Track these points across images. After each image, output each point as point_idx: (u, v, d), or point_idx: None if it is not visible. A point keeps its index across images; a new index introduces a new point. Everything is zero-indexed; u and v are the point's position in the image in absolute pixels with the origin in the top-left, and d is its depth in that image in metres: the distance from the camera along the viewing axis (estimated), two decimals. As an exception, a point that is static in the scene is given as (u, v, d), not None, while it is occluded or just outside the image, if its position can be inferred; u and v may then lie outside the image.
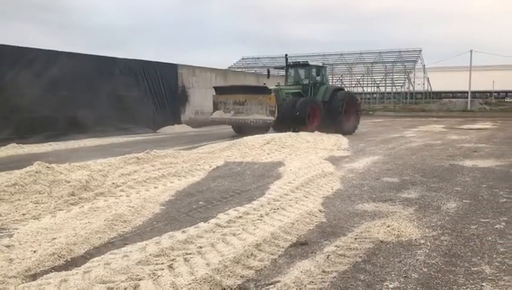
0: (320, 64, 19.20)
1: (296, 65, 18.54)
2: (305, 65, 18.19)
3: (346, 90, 23.23)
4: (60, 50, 16.20)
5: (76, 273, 3.51)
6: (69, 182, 6.43)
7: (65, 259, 3.93)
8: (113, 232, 4.70)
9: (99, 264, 3.66)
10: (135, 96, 19.11)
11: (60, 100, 15.64)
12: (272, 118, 15.27)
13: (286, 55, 20.44)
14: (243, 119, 15.75)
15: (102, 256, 3.91)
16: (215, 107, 16.97)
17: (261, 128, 15.73)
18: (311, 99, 16.75)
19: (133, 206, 5.52)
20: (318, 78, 17.81)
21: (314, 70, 17.82)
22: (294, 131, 14.91)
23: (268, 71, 20.31)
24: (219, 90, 17.56)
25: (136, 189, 6.68)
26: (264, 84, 17.42)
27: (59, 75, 15.62)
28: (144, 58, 20.25)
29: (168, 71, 21.37)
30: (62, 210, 5.48)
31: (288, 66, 18.60)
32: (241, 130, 16.50)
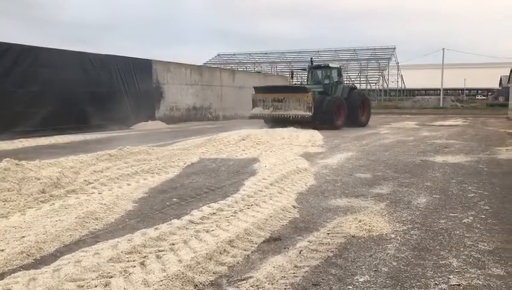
0: (338, 65, 21.63)
1: (318, 67, 20.91)
2: (326, 67, 20.52)
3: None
4: (30, 45, 15.83)
5: (46, 271, 3.45)
6: (39, 179, 6.30)
7: (34, 257, 3.86)
8: (84, 229, 4.63)
9: (69, 262, 3.61)
10: (108, 92, 18.84)
11: (31, 96, 15.31)
12: (310, 113, 17.29)
13: (311, 58, 23.39)
14: (283, 114, 17.81)
15: (73, 254, 3.86)
16: (254, 104, 19.07)
17: (298, 122, 17.38)
18: (337, 98, 18.91)
19: (105, 204, 5.45)
20: (336, 78, 20.05)
21: (333, 71, 20.14)
22: (318, 127, 16.91)
23: (292, 72, 25.09)
24: (258, 89, 19.75)
25: (108, 186, 6.60)
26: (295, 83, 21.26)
27: (29, 71, 15.28)
28: (117, 54, 19.99)
29: (142, 67, 21.13)
30: (32, 208, 5.37)
31: (311, 68, 21.01)
32: (276, 124, 17.81)
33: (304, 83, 22.90)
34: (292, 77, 25.51)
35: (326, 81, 19.71)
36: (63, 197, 5.88)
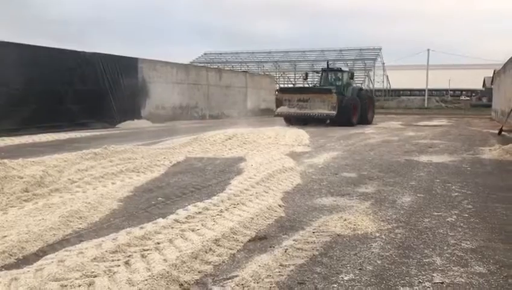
0: (347, 69, 24.95)
1: (332, 70, 23.27)
2: (338, 70, 23.31)
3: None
4: (14, 42, 15.61)
5: (28, 271, 3.40)
6: (22, 178, 6.21)
7: (16, 257, 3.80)
8: (68, 228, 4.58)
9: (52, 262, 3.56)
10: (93, 91, 18.68)
11: (14, 94, 15.10)
12: (334, 112, 19.45)
13: (328, 61, 26.25)
14: (308, 113, 19.91)
15: (56, 253, 3.81)
16: (280, 103, 21.15)
17: (321, 120, 20.38)
18: (353, 98, 21.18)
19: (89, 203, 5.39)
20: (347, 80, 22.39)
21: (345, 74, 22.59)
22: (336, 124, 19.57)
23: (306, 74, 27.87)
24: (283, 90, 24.22)
25: (93, 185, 6.53)
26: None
27: (13, 68, 15.07)
28: (103, 52, 19.81)
29: (128, 65, 21.00)
30: (14, 207, 5.29)
31: (324, 70, 23.27)
32: (300, 121, 20.45)
33: (316, 84, 25.64)
34: (306, 78, 28.13)
35: (338, 83, 21.86)
36: (47, 196, 5.80)
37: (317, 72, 29.44)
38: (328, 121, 20.44)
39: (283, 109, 20.79)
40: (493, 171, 8.30)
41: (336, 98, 19.61)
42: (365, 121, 21.74)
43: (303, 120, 20.40)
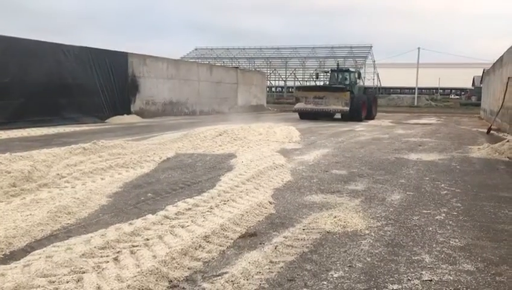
0: (353, 69, 27.38)
1: (340, 70, 25.75)
2: (347, 70, 25.83)
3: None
4: (1, 35, 15.40)
5: (15, 267, 3.36)
6: (10, 172, 6.14)
7: (3, 253, 3.76)
8: (56, 224, 4.53)
9: (40, 258, 3.53)
10: (83, 85, 18.50)
11: (2, 87, 14.91)
12: (347, 108, 21.77)
13: (338, 62, 31.05)
14: (324, 109, 22.25)
15: (44, 249, 3.77)
16: (297, 100, 23.52)
17: (329, 115, 23.17)
18: (362, 96, 23.65)
19: (78, 198, 5.35)
20: (354, 80, 24.67)
21: (352, 74, 25.01)
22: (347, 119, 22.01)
23: (317, 74, 31.89)
24: (301, 88, 27.00)
25: (81, 180, 6.48)
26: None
27: (0, 61, 14.88)
28: (92, 46, 19.63)
29: (118, 60, 20.81)
30: (2, 202, 5.22)
31: (334, 70, 25.80)
32: (311, 116, 22.95)
33: (325, 83, 28.71)
34: (317, 78, 31.81)
35: (346, 82, 24.20)
36: (35, 191, 5.74)
37: (326, 71, 32.68)
38: (340, 116, 22.86)
39: (300, 105, 23.06)
40: (482, 169, 8.37)
41: (348, 95, 21.77)
42: (370, 116, 24.15)
43: (313, 115, 22.80)
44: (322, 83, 32.38)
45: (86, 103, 18.57)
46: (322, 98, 22.50)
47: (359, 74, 25.75)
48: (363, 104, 23.09)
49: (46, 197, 5.44)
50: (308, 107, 22.79)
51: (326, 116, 23.19)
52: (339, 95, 22.22)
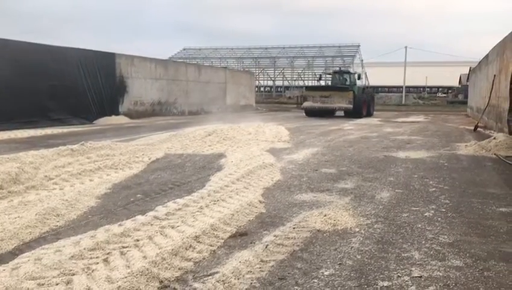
0: (353, 71, 30.58)
1: (341, 72, 28.43)
2: (347, 72, 28.66)
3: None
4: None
5: (4, 270, 3.32)
6: (-4, 175, 6.07)
7: (-9, 256, 3.72)
8: (45, 226, 4.49)
9: (29, 260, 3.49)
10: (70, 86, 18.33)
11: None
12: (351, 106, 24.03)
13: (340, 67, 33.87)
14: (330, 106, 24.70)
15: (33, 251, 3.73)
16: (305, 99, 26.20)
17: (331, 112, 25.36)
18: (362, 95, 25.94)
19: (66, 200, 5.31)
20: (354, 81, 26.94)
21: (352, 75, 27.59)
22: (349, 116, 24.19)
23: (320, 76, 34.43)
24: (309, 88, 31.95)
25: (70, 182, 6.43)
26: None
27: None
28: (79, 47, 19.47)
29: (105, 60, 20.65)
30: (-11, 205, 5.16)
31: (335, 72, 28.46)
32: (316, 114, 25.24)
33: (326, 83, 31.17)
34: (320, 79, 33.62)
35: (347, 83, 26.56)
36: (22, 194, 5.69)
37: (328, 73, 35.02)
38: (343, 113, 24.98)
39: (308, 104, 25.47)
40: (469, 166, 8.45)
41: (352, 94, 24.22)
42: (369, 113, 26.77)
43: (319, 112, 25.15)
44: (323, 83, 34.57)
45: (74, 104, 18.40)
46: (328, 97, 24.86)
47: (359, 76, 28.14)
48: (364, 102, 25.59)
49: (34, 199, 5.40)
50: (315, 105, 25.10)
51: (330, 113, 25.38)
52: (343, 94, 24.59)
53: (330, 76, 29.60)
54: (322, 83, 34.11)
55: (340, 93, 24.87)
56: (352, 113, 24.31)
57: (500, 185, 6.73)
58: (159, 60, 25.90)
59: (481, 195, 6.04)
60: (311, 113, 25.58)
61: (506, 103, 12.43)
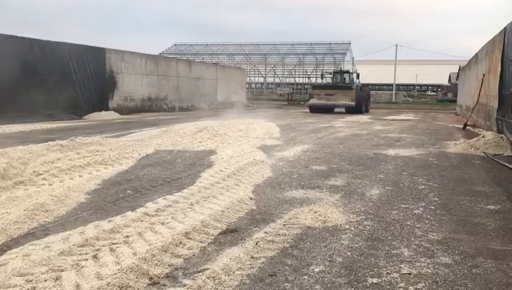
0: (351, 71, 32.55)
1: (341, 71, 30.90)
2: (347, 72, 30.93)
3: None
4: (-25, 29, 15.02)
5: (-9, 266, 3.29)
6: (-16, 170, 6.00)
7: (-21, 252, 3.67)
8: (33, 222, 4.45)
9: (17, 256, 3.46)
10: (59, 81, 18.20)
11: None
12: (354, 103, 26.48)
13: (341, 67, 37.93)
14: (334, 103, 27.23)
15: (21, 247, 3.70)
16: (311, 96, 28.86)
17: (332, 109, 27.76)
18: (362, 93, 27.51)
19: (55, 195, 5.26)
20: (353, 79, 29.18)
21: (351, 75, 29.91)
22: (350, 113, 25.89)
23: (322, 75, 34.33)
24: (315, 86, 32.62)
25: (59, 177, 6.37)
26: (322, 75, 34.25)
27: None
28: (69, 41, 19.30)
29: (95, 55, 20.52)
30: (-24, 200, 5.11)
31: (336, 72, 30.94)
32: (320, 110, 27.19)
33: (328, 82, 32.57)
34: (322, 78, 34.41)
35: (347, 82, 28.81)
36: (11, 189, 5.63)
37: (329, 72, 36.90)
38: (344, 110, 27.02)
39: (314, 101, 27.83)
40: (458, 164, 8.52)
41: (355, 92, 26.55)
42: (366, 110, 28.92)
43: (323, 109, 27.15)
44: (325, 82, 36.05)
45: (63, 99, 18.27)
46: (332, 94, 27.34)
47: (358, 75, 30.05)
48: (364, 99, 27.82)
49: (22, 194, 5.35)
50: (320, 102, 27.47)
51: (330, 110, 27.57)
52: (347, 92, 27.06)
53: (331, 75, 31.85)
54: (324, 80, 35.42)
55: (343, 91, 27.22)
56: (354, 110, 26.19)
57: (489, 183, 6.79)
58: (149, 56, 25.77)
59: (470, 193, 6.09)
60: (315, 109, 27.43)
61: (495, 102, 12.54)
